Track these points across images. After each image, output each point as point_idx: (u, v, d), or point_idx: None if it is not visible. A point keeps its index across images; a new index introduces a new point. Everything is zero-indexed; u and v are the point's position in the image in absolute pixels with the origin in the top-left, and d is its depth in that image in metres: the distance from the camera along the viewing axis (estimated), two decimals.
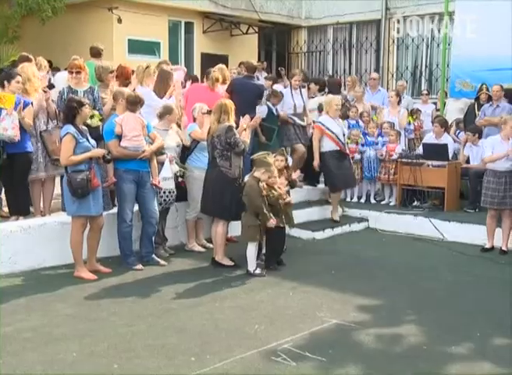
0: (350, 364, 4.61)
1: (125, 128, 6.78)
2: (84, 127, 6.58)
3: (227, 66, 10.19)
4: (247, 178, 7.07)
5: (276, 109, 9.70)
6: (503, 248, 8.00)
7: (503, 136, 8.07)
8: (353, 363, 4.62)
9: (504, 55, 10.35)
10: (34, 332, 5.06)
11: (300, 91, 9.98)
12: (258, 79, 10.56)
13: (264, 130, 9.54)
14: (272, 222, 6.77)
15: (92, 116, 7.12)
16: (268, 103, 9.66)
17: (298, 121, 9.79)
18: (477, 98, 10.73)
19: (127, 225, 6.93)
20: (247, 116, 7.33)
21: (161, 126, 7.41)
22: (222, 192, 6.92)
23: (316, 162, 9.25)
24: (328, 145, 9.11)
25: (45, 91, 7.31)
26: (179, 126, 8.11)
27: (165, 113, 7.39)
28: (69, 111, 6.47)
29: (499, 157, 7.93)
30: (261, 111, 9.43)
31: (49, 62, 8.55)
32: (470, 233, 8.53)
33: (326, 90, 11.22)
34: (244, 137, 7.08)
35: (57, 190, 7.54)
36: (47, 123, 7.31)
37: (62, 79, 8.32)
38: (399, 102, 10.75)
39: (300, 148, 9.74)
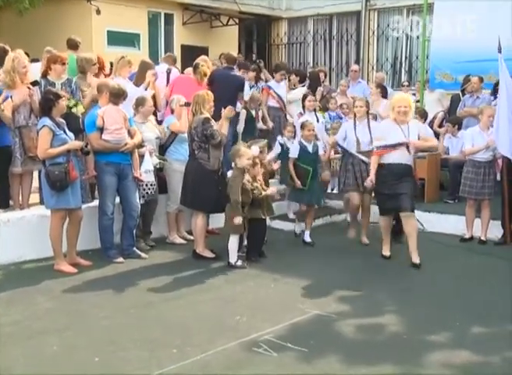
0: (332, 354, 4.64)
1: (107, 121, 6.73)
2: (61, 120, 6.51)
3: None
4: (230, 172, 7.05)
5: (316, 146, 8.06)
6: (482, 238, 8.08)
7: (482, 126, 8.14)
8: (334, 353, 4.65)
9: (484, 46, 10.41)
10: (15, 326, 5.03)
11: (368, 123, 7.93)
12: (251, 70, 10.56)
13: (299, 171, 7.89)
14: (237, 220, 6.69)
15: (76, 104, 7.07)
16: (301, 141, 8.02)
17: (365, 159, 7.70)
18: (463, 90, 10.81)
19: (108, 218, 6.90)
20: (229, 108, 7.27)
21: (138, 118, 7.37)
22: (200, 184, 6.91)
23: None
24: None
25: (29, 88, 7.19)
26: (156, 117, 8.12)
27: (138, 105, 7.35)
28: (46, 103, 6.42)
29: (479, 149, 7.99)
30: (293, 150, 7.99)
31: (26, 54, 8.45)
32: (450, 223, 8.59)
33: (307, 81, 11.25)
34: (222, 130, 7.04)
35: (35, 183, 7.47)
36: (28, 118, 7.17)
37: (37, 70, 8.24)
38: (385, 95, 10.69)
39: (356, 198, 7.95)
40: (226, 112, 7.15)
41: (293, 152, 7.99)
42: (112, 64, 8.72)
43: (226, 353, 4.60)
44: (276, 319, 5.23)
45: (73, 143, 6.47)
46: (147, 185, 7.18)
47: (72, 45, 8.87)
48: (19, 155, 7.11)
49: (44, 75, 7.40)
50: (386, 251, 7.35)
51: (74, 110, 6.96)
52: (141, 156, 7.09)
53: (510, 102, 7.74)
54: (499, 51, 7.74)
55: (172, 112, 7.78)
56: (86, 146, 6.56)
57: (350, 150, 7.90)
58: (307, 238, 8.02)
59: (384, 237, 7.38)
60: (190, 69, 9.51)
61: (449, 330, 5.14)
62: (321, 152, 8.30)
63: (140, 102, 7.36)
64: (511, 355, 4.73)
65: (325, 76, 12.86)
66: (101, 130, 6.76)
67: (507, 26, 9.95)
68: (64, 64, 7.38)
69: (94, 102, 7.16)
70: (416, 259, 6.95)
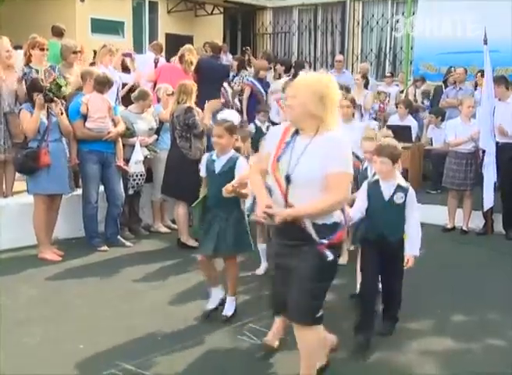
0: None
1: (91, 109, 6.73)
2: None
3: None
4: None
5: (232, 161, 4.91)
6: (464, 228, 8.17)
7: (464, 117, 8.21)
8: None
9: (468, 38, 10.49)
10: None
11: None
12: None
13: None
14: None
15: (66, 84, 7.03)
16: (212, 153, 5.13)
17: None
18: (445, 81, 10.88)
19: (92, 206, 6.89)
20: (215, 100, 7.32)
21: (133, 109, 7.36)
22: (181, 173, 6.89)
23: None
24: None
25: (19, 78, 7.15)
26: None
27: (139, 98, 7.32)
28: (28, 92, 6.54)
29: (463, 141, 8.07)
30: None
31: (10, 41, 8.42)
32: (432, 213, 8.65)
33: (292, 71, 11.24)
34: (204, 120, 7.03)
35: None
36: (14, 104, 7.08)
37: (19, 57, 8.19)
38: (366, 85, 10.76)
39: None
40: (211, 104, 7.18)
41: (202, 169, 5.11)
42: (95, 52, 8.73)
43: (211, 340, 4.63)
44: (260, 307, 5.26)
45: (39, 97, 6.33)
46: (137, 176, 7.17)
47: (57, 33, 8.84)
48: (3, 142, 7.06)
49: (28, 62, 7.35)
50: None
51: (64, 89, 6.92)
52: (132, 146, 7.09)
53: (489, 96, 7.82)
54: (485, 42, 7.78)
55: (159, 100, 7.77)
56: (48, 91, 6.41)
57: None
58: (228, 311, 5.03)
59: None
60: (175, 58, 9.50)
61: (431, 318, 5.21)
62: None
63: (141, 96, 7.31)
64: (492, 342, 4.81)
65: (310, 67, 12.88)
66: (85, 118, 6.75)
67: (497, 19, 9.99)
68: (42, 49, 7.33)
69: (79, 90, 7.14)
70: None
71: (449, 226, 8.28)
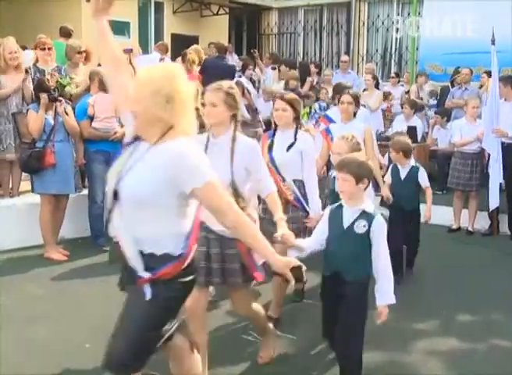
0: (320, 341, 4.66)
1: (97, 109, 6.76)
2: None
3: None
4: None
5: None
6: (469, 229, 8.17)
7: (469, 117, 8.21)
8: (322, 340, 4.68)
9: (474, 39, 10.49)
10: (4, 313, 5.03)
11: None
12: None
13: None
14: None
15: (69, 83, 7.06)
16: None
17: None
18: (452, 81, 10.89)
19: (98, 206, 6.91)
20: None
21: None
22: None
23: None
24: None
25: (27, 71, 7.20)
26: None
27: None
28: (34, 92, 6.62)
29: (469, 141, 8.08)
30: None
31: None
32: (437, 214, 8.62)
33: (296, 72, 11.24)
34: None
35: None
36: (21, 105, 7.11)
37: (27, 57, 8.22)
38: (377, 85, 10.76)
39: None
40: None
41: None
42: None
43: (215, 340, 4.60)
44: (264, 308, 5.26)
45: (43, 96, 6.41)
46: None
47: (65, 33, 8.89)
48: (13, 141, 7.09)
49: (35, 62, 7.42)
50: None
51: (68, 88, 6.95)
52: None
53: (493, 97, 7.81)
54: (493, 43, 7.76)
55: None
56: (52, 92, 6.47)
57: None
58: None
59: None
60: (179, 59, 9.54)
61: (436, 318, 5.21)
62: None
63: None
64: (497, 343, 4.81)
65: (318, 69, 12.85)
66: (92, 118, 6.78)
67: (498, 19, 9.99)
68: (43, 49, 7.37)
69: (86, 90, 7.17)
70: None
71: (454, 227, 8.28)
